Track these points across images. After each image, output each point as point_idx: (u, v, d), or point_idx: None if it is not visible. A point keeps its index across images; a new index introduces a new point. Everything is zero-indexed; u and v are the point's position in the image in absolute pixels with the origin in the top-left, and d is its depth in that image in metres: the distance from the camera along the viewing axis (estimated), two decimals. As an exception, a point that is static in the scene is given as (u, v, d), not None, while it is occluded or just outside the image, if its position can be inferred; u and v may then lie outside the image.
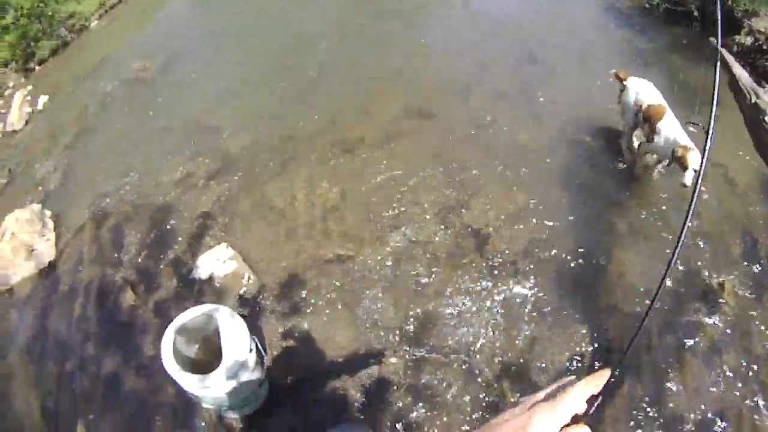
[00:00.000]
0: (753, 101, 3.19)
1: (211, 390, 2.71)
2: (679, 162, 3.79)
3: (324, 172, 4.66)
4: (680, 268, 3.78)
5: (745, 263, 3.83)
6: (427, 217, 4.24)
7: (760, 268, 3.80)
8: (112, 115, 5.72)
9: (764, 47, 5.78)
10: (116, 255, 4.22)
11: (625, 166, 4.57)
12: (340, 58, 6.11)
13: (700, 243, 3.95)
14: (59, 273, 4.24)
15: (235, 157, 4.92)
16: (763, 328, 3.50)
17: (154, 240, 4.28)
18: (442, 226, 4.16)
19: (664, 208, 4.20)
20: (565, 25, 6.58)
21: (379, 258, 3.98)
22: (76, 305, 3.97)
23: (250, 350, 2.84)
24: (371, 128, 5.06)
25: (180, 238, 4.26)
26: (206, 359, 2.98)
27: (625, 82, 4.46)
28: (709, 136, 1.17)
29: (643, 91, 4.34)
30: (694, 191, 1.09)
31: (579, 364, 3.38)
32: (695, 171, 3.68)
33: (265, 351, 3.25)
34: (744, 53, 5.79)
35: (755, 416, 3.12)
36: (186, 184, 4.71)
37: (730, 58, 3.53)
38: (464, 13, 6.90)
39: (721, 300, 3.62)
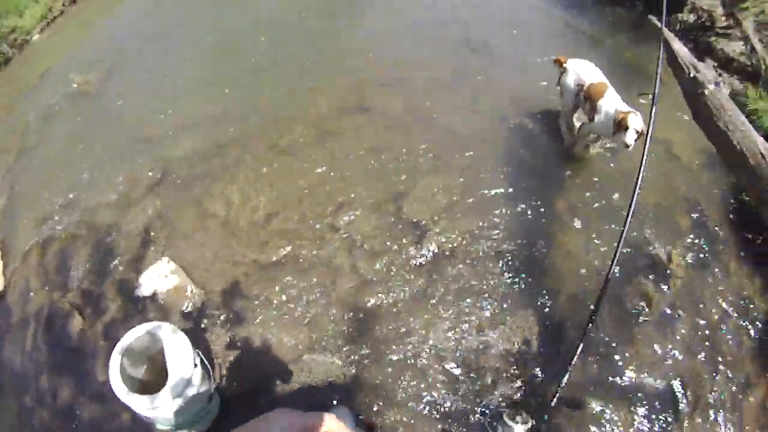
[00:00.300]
0: (692, 75, 3.23)
1: (160, 410, 2.66)
2: (620, 126, 3.76)
3: (262, 176, 4.57)
4: (630, 245, 3.83)
5: (692, 235, 3.91)
6: (366, 212, 4.20)
7: (706, 239, 3.89)
8: (55, 131, 5.53)
9: (707, 24, 5.84)
10: (62, 279, 4.08)
11: (565, 146, 4.60)
12: (277, 58, 5.98)
13: (647, 216, 4.02)
14: (9, 303, 4.10)
15: (175, 166, 4.78)
16: (710, 296, 3.60)
17: (98, 260, 4.15)
18: (382, 220, 4.13)
19: (606, 186, 4.25)
20: (505, 10, 6.57)
21: (321, 257, 3.96)
22: (27, 335, 3.85)
23: (195, 365, 2.79)
24: (308, 127, 4.96)
25: (123, 256, 4.15)
26: (154, 379, 2.92)
27: (564, 65, 4.44)
28: (655, 100, 1.15)
29: (584, 71, 4.33)
30: (641, 167, 1.10)
31: (529, 350, 3.42)
32: (636, 131, 3.70)
33: (212, 364, 3.20)
34: (687, 30, 5.86)
35: (710, 383, 3.24)
36: (127, 199, 4.58)
37: (669, 35, 3.55)
38: (401, 3, 6.82)
39: (669, 270, 3.70)
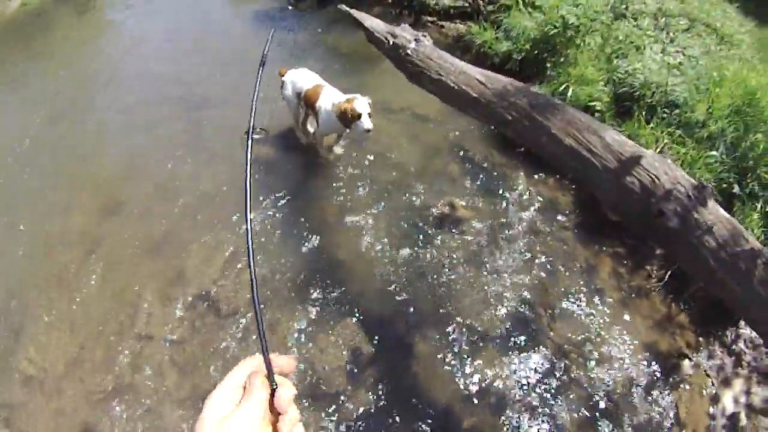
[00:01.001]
0: (391, 42, 3.35)
1: None
2: (350, 117, 3.81)
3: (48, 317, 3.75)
4: (412, 205, 4.00)
5: (465, 179, 4.23)
6: (156, 302, 3.70)
7: (478, 179, 4.25)
8: None
9: None
10: None
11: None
12: (22, 180, 5.06)
13: (417, 183, 4.21)
14: None
15: None
16: (506, 213, 3.95)
17: None
18: (172, 305, 3.66)
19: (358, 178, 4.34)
20: (218, 49, 6.48)
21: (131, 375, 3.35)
22: None
23: None
24: (69, 252, 4.20)
25: None
26: None
27: (283, 78, 4.42)
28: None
29: (298, 78, 4.32)
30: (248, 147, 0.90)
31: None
32: (369, 114, 3.80)
33: None
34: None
35: (562, 280, 3.49)
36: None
37: (360, 14, 3.68)
38: (121, 90, 6.26)
39: (456, 218, 3.93)
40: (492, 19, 5.72)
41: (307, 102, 4.20)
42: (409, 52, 3.11)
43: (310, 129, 4.48)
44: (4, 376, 3.42)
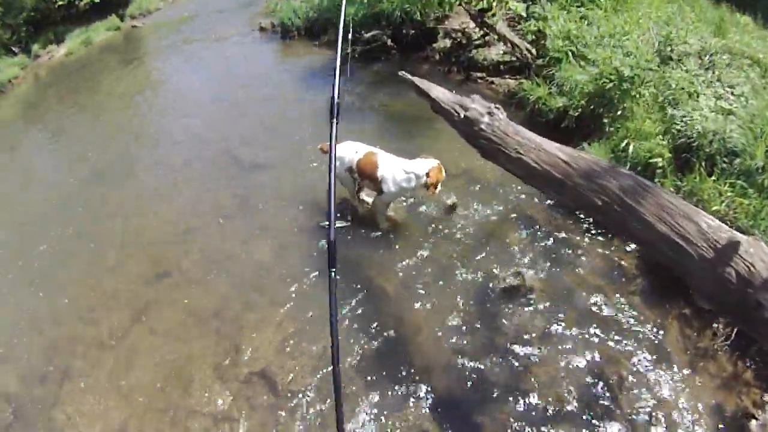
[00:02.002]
0: (462, 116, 3.16)
1: None
2: (434, 186, 3.81)
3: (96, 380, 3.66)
4: (478, 278, 3.80)
5: (529, 253, 3.99)
6: (209, 381, 3.52)
7: (542, 246, 4.01)
8: None
9: (463, 42, 6.41)
10: None
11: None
12: (66, 240, 5.08)
13: (477, 252, 4.01)
14: None
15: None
16: (579, 281, 3.72)
17: None
18: (227, 384, 3.50)
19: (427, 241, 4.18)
20: (264, 110, 6.45)
21: None
22: None
23: None
24: (115, 315, 4.12)
25: None
26: None
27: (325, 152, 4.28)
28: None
29: (345, 152, 4.09)
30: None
31: None
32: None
33: None
34: (447, 54, 6.34)
35: (633, 355, 3.27)
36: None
37: (424, 83, 3.49)
38: (166, 149, 6.31)
39: (524, 291, 3.68)
40: (543, 74, 5.58)
41: (362, 173, 4.05)
42: (483, 127, 2.93)
43: (368, 199, 4.33)
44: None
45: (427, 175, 3.82)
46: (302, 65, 7.33)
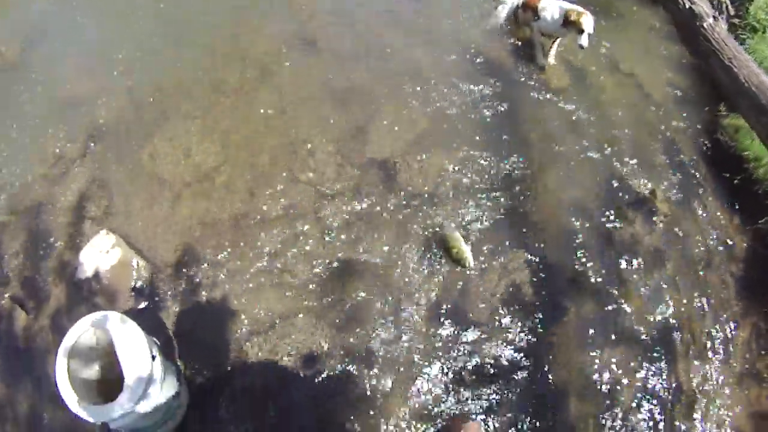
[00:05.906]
0: (687, 6, 3.14)
1: (121, 420, 2.28)
2: (574, 26, 3.92)
3: (202, 123, 3.96)
4: (611, 180, 3.85)
5: (670, 171, 3.95)
6: (324, 154, 3.78)
7: (683, 175, 3.95)
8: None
9: None
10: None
11: (527, 70, 4.42)
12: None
13: (625, 156, 3.98)
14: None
15: (108, 126, 4.01)
16: (695, 231, 3.70)
17: (33, 244, 3.49)
18: (343, 163, 3.75)
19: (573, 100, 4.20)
20: None
21: (277, 211, 3.54)
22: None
23: (153, 357, 2.38)
24: (249, 64, 4.30)
25: (59, 235, 3.50)
26: (110, 377, 2.47)
27: None
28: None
29: None
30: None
31: (517, 293, 3.33)
32: (590, 34, 3.87)
33: (174, 351, 2.82)
34: None
35: (704, 319, 3.36)
36: (58, 170, 3.82)
37: None
38: None
39: (653, 208, 3.73)
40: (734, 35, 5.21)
41: (526, 5, 4.34)
42: (705, 26, 2.96)
43: (527, 30, 4.54)
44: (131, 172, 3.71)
45: (569, 14, 3.94)
46: None
